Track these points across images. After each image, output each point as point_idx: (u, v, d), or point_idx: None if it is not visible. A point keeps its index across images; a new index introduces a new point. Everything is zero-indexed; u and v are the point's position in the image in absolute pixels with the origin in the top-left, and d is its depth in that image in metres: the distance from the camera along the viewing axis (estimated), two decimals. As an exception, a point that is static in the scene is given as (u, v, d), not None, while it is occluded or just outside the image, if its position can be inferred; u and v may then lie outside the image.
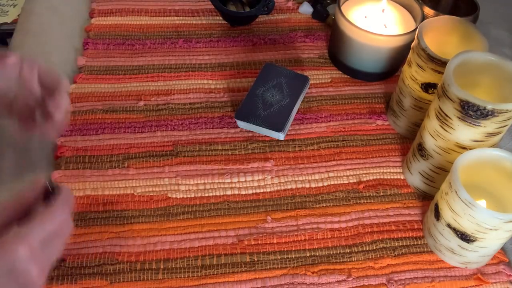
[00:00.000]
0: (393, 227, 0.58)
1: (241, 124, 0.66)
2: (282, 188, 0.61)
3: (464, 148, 0.53)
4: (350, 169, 0.64)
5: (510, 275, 0.55)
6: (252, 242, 0.56)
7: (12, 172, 0.60)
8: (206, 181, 0.61)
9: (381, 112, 0.70)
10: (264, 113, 0.64)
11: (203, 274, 0.54)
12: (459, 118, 0.51)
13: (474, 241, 0.51)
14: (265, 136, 0.66)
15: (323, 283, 0.54)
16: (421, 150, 0.58)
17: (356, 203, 0.61)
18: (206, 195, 0.60)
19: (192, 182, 0.61)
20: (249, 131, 0.66)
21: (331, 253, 0.56)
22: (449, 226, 0.52)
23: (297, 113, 0.69)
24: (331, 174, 0.63)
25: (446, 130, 0.53)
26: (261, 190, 0.61)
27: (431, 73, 0.58)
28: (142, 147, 0.64)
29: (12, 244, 0.36)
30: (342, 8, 0.70)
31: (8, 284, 0.37)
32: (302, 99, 0.70)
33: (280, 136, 0.65)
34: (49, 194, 0.42)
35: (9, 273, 0.36)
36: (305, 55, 0.77)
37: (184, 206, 0.59)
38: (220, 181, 0.61)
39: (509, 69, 0.53)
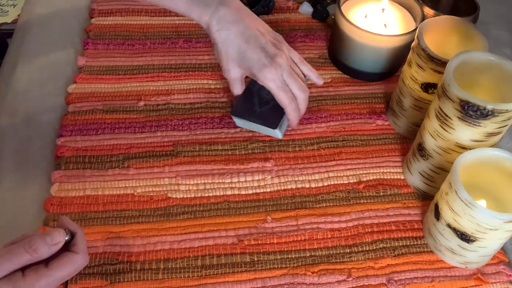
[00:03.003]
0: (393, 227, 0.58)
1: (238, 121, 0.66)
2: (282, 188, 0.61)
3: (464, 148, 0.53)
4: (350, 169, 0.64)
5: (510, 275, 0.55)
6: (252, 242, 0.56)
7: (12, 172, 0.60)
8: (206, 181, 0.61)
9: (381, 112, 0.70)
10: (259, 110, 0.64)
11: (203, 274, 0.54)
12: (459, 118, 0.51)
13: (474, 241, 0.51)
14: (265, 136, 0.66)
15: (323, 283, 0.54)
16: (421, 150, 0.58)
17: (356, 203, 0.61)
18: (206, 195, 0.60)
19: (192, 182, 0.61)
20: (249, 131, 0.66)
21: (331, 253, 0.56)
22: (449, 226, 0.52)
23: (297, 113, 0.69)
24: (331, 174, 0.63)
25: (446, 130, 0.53)
26: (261, 190, 0.61)
27: (431, 73, 0.58)
28: (142, 147, 0.64)
29: None
30: (342, 8, 0.70)
31: None
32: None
33: (278, 134, 0.65)
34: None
35: None
36: (305, 55, 0.77)
37: (184, 206, 0.59)
38: (220, 181, 0.61)
39: (509, 69, 0.53)
